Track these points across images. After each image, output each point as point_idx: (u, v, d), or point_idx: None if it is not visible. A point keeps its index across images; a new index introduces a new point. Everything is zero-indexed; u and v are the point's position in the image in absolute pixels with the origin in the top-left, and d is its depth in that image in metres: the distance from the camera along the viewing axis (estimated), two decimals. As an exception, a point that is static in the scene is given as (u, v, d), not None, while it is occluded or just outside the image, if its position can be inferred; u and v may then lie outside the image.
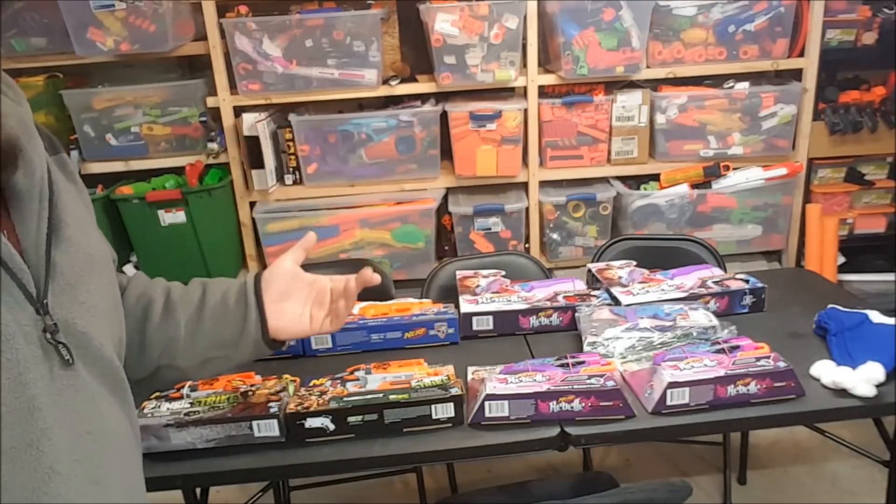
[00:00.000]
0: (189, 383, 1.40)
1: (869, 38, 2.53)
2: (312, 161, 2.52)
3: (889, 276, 2.69)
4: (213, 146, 2.46)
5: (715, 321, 1.51)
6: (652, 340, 1.47)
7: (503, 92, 2.52)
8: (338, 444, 1.28)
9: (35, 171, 0.72)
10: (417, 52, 2.60)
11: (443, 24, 2.30)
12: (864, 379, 1.31)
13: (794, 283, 1.96)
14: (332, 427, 1.28)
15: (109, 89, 2.46)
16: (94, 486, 0.72)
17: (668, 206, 2.56)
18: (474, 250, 2.58)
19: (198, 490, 1.57)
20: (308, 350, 1.61)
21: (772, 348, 1.37)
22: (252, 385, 1.40)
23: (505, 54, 2.37)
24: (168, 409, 1.31)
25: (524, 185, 2.59)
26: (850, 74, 2.71)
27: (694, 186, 2.55)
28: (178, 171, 2.53)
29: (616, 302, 1.66)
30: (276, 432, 1.28)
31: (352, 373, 1.43)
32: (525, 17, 2.35)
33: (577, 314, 1.61)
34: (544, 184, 2.60)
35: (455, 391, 1.30)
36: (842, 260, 2.69)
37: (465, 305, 1.65)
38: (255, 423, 1.27)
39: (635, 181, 2.64)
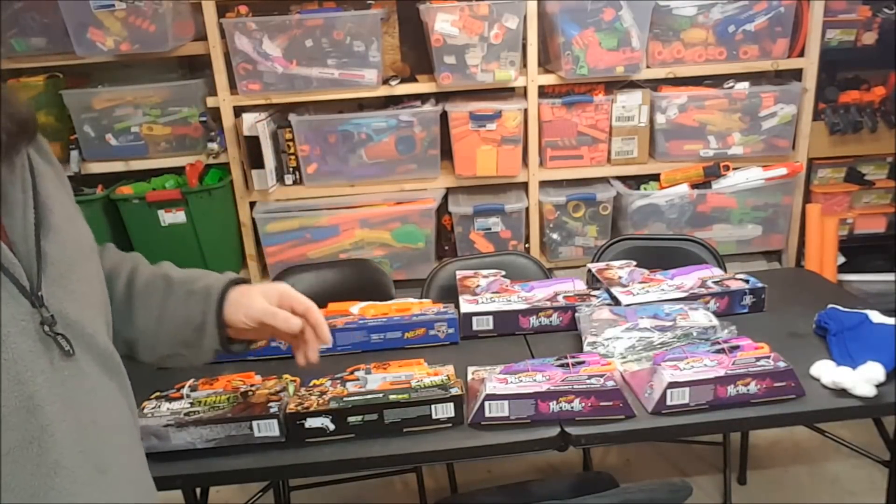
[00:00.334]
0: (189, 383, 1.40)
1: (869, 38, 2.53)
2: (312, 161, 2.52)
3: (889, 276, 2.69)
4: (213, 146, 2.46)
5: (715, 321, 1.51)
6: (652, 340, 1.47)
7: (503, 92, 2.52)
8: (338, 444, 1.28)
9: (15, 160, 0.71)
10: (417, 52, 2.60)
11: (443, 24, 2.30)
12: (864, 379, 1.31)
13: (794, 283, 1.96)
14: (332, 427, 1.28)
15: (109, 89, 2.46)
16: (101, 476, 0.72)
17: (668, 206, 2.56)
18: (474, 250, 2.58)
19: (198, 490, 1.57)
20: (308, 350, 1.61)
21: (772, 348, 1.37)
22: (252, 385, 1.40)
23: (505, 54, 2.37)
24: (168, 409, 1.31)
25: (524, 185, 2.59)
26: (850, 74, 2.71)
27: (694, 186, 2.55)
28: (178, 171, 2.53)
29: (616, 302, 1.66)
30: (276, 432, 1.28)
31: (352, 373, 1.43)
32: (525, 17, 2.35)
33: (577, 314, 1.61)
34: (544, 184, 2.60)
35: (455, 391, 1.30)
36: (842, 260, 2.69)
37: (465, 305, 1.65)
38: (255, 423, 1.27)
39: (635, 181, 2.64)
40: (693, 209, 2.57)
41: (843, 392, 1.32)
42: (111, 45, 2.32)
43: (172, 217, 2.45)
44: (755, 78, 2.56)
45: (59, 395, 0.68)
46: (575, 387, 1.28)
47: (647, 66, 2.47)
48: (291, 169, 2.54)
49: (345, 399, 1.30)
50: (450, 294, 1.87)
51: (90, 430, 0.71)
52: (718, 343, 1.40)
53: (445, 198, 2.58)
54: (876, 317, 1.50)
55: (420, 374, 1.39)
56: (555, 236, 2.62)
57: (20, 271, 0.68)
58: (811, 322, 1.56)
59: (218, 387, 1.40)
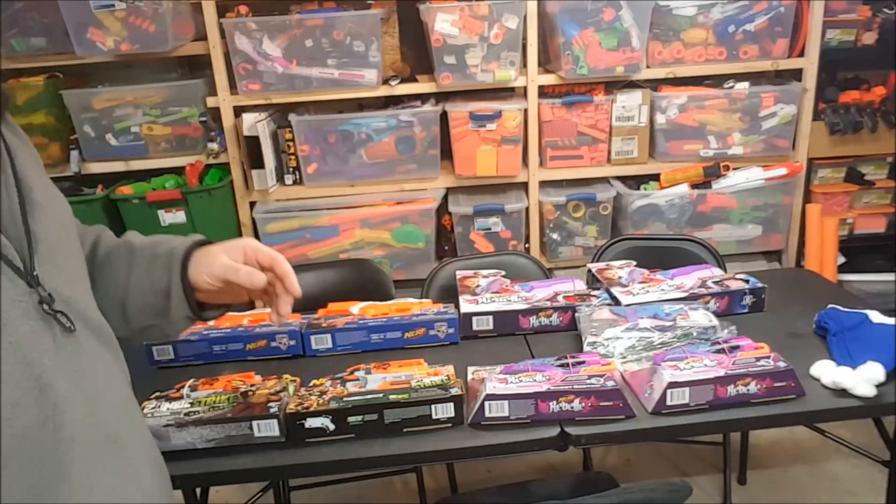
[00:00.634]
0: (189, 383, 1.40)
1: (869, 38, 2.53)
2: (312, 161, 2.52)
3: (889, 276, 2.69)
4: (213, 146, 2.46)
5: (715, 321, 1.51)
6: (652, 340, 1.47)
7: (503, 92, 2.52)
8: (338, 444, 1.28)
9: None
10: (417, 52, 2.60)
11: (443, 24, 2.30)
12: (864, 379, 1.31)
13: (794, 283, 1.96)
14: (332, 427, 1.28)
15: (109, 89, 2.46)
16: (114, 445, 0.73)
17: (668, 206, 2.56)
18: (474, 250, 2.58)
19: (198, 490, 1.57)
20: (308, 350, 1.61)
21: (772, 348, 1.37)
22: (252, 385, 1.40)
23: (505, 54, 2.37)
24: (168, 409, 1.31)
25: (524, 185, 2.59)
26: (850, 74, 2.71)
27: (694, 186, 2.55)
28: (178, 171, 2.53)
29: (616, 302, 1.66)
30: (276, 432, 1.28)
31: (352, 373, 1.43)
32: (525, 17, 2.35)
33: (577, 314, 1.61)
34: (544, 184, 2.60)
35: (455, 391, 1.30)
36: (842, 260, 2.69)
37: (465, 305, 1.65)
38: (255, 423, 1.27)
39: (635, 181, 2.64)
40: (693, 209, 2.57)
41: (843, 392, 1.32)
42: (111, 45, 2.32)
43: (172, 217, 2.45)
44: (755, 78, 2.56)
45: (65, 372, 0.69)
46: (575, 387, 1.28)
47: (647, 66, 2.47)
48: (291, 169, 2.54)
49: (345, 399, 1.30)
50: (450, 294, 1.87)
51: (98, 402, 0.72)
52: (718, 343, 1.40)
53: (445, 198, 2.58)
54: (876, 317, 1.50)
55: (420, 374, 1.39)
56: (555, 236, 2.63)
57: (12, 252, 0.68)
58: (811, 322, 1.56)
59: (218, 387, 1.40)
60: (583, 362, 1.36)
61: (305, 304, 1.93)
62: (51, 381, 0.67)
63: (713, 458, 2.32)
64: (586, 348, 1.49)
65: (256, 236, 2.59)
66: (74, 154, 2.47)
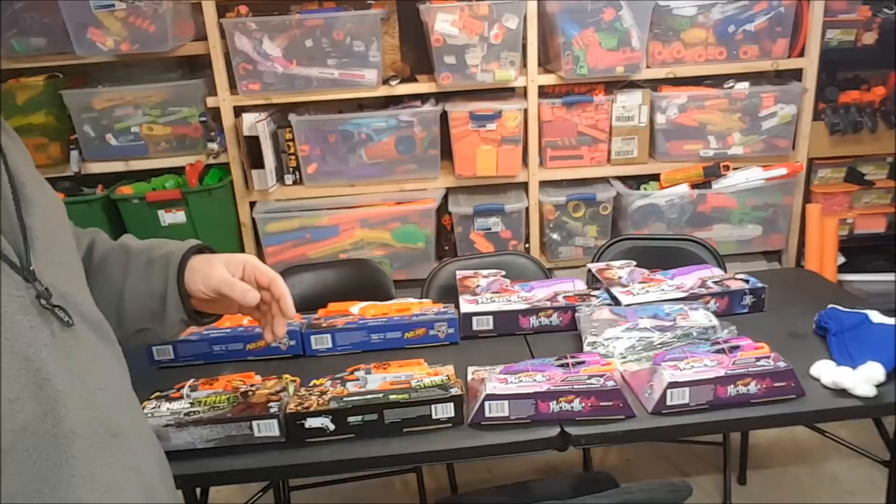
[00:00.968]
0: (189, 383, 1.40)
1: (869, 38, 2.53)
2: (312, 161, 2.52)
3: (889, 276, 2.69)
4: (213, 146, 2.46)
5: (715, 321, 1.51)
6: (652, 340, 1.47)
7: (503, 92, 2.52)
8: (338, 444, 1.28)
9: None
10: (417, 52, 2.60)
11: (443, 24, 2.30)
12: (864, 379, 1.31)
13: (794, 283, 1.96)
14: (332, 427, 1.28)
15: (109, 89, 2.46)
16: (114, 439, 0.73)
17: (668, 206, 2.56)
18: (474, 250, 2.58)
19: (198, 490, 1.57)
20: (308, 350, 1.61)
21: (772, 348, 1.37)
22: (252, 385, 1.40)
23: (505, 54, 2.37)
24: (168, 409, 1.31)
25: (524, 185, 2.59)
26: (850, 74, 2.71)
27: (694, 186, 2.55)
28: (178, 171, 2.53)
29: (616, 302, 1.66)
30: (276, 432, 1.28)
31: (352, 373, 1.43)
32: (525, 17, 2.35)
33: (577, 314, 1.61)
34: (544, 184, 2.60)
35: (455, 391, 1.30)
36: (842, 260, 2.69)
37: (465, 305, 1.65)
38: (255, 423, 1.27)
39: (635, 181, 2.64)
40: (693, 209, 2.57)
41: (843, 392, 1.32)
42: (111, 45, 2.32)
43: (172, 217, 2.45)
44: (755, 78, 2.56)
45: (64, 367, 0.69)
46: (575, 387, 1.28)
47: (647, 66, 2.47)
48: (291, 169, 2.54)
49: (345, 399, 1.30)
50: (450, 294, 1.87)
51: (98, 396, 0.73)
52: (718, 343, 1.40)
53: (445, 198, 2.58)
54: (876, 317, 1.50)
55: (420, 374, 1.39)
56: (555, 236, 2.63)
57: (8, 247, 0.68)
58: (811, 322, 1.56)
59: (218, 387, 1.40)
60: (583, 362, 1.36)
61: (305, 304, 1.93)
62: (49, 376, 0.67)
63: (713, 458, 2.32)
64: (586, 348, 1.49)
65: (256, 236, 2.59)
66: (74, 154, 2.47)
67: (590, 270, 1.87)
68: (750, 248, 2.67)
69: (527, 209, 2.57)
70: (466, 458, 1.33)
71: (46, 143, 2.45)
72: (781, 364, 1.31)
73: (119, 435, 0.74)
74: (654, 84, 2.53)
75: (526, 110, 2.48)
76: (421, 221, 2.54)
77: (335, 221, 2.54)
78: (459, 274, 1.84)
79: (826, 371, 1.35)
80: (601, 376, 1.30)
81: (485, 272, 1.83)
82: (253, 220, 2.55)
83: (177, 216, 2.45)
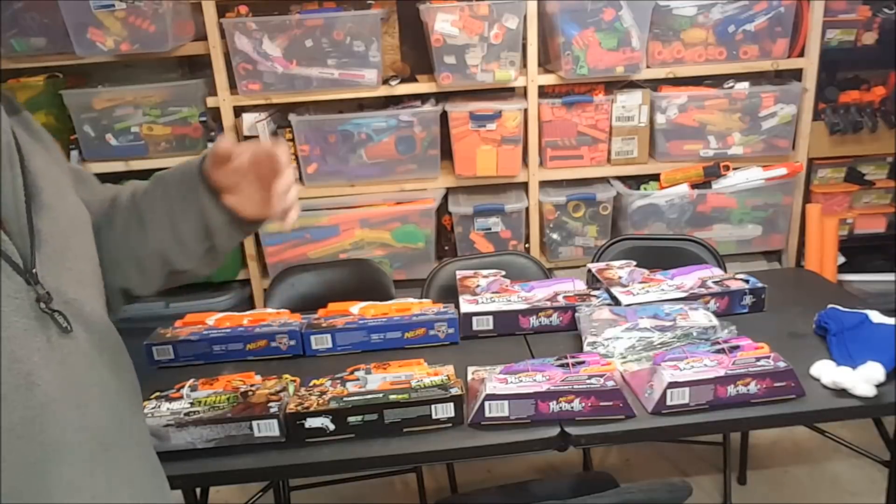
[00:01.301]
0: (189, 383, 1.40)
1: (869, 38, 2.52)
2: (312, 161, 2.52)
3: (889, 276, 2.69)
4: (213, 146, 2.46)
5: (715, 321, 1.51)
6: (652, 340, 1.47)
7: (503, 92, 2.52)
8: (338, 444, 1.28)
9: (0, 137, 0.70)
10: (417, 52, 2.60)
11: (443, 24, 2.30)
12: (864, 379, 1.31)
13: (794, 283, 1.97)
14: (332, 427, 1.28)
15: (109, 89, 2.46)
16: (104, 452, 0.72)
17: (668, 206, 2.56)
18: (474, 250, 2.58)
19: (198, 490, 1.57)
20: (308, 350, 1.61)
21: (772, 348, 1.37)
22: (252, 385, 1.40)
23: (505, 54, 2.37)
24: (168, 409, 1.31)
25: (524, 185, 2.59)
26: (850, 74, 2.71)
27: (694, 186, 2.55)
28: (178, 171, 2.53)
29: (616, 302, 1.66)
30: (276, 432, 1.28)
31: (352, 373, 1.43)
32: (525, 17, 2.35)
33: (577, 314, 1.61)
34: (544, 184, 2.60)
35: (455, 391, 1.30)
36: (842, 260, 2.69)
37: (465, 305, 1.65)
38: (255, 423, 1.27)
39: (635, 181, 2.64)
40: (693, 209, 2.57)
41: (843, 392, 1.32)
42: (111, 45, 2.32)
43: (172, 217, 2.45)
44: (755, 78, 2.56)
45: (57, 373, 0.68)
46: (575, 387, 1.28)
47: (647, 66, 2.47)
48: (291, 169, 2.54)
49: (345, 399, 1.30)
50: (450, 294, 1.87)
51: (91, 406, 0.72)
52: (718, 343, 1.40)
53: (445, 198, 2.58)
54: (876, 317, 1.50)
55: (420, 374, 1.39)
56: (555, 236, 2.63)
57: (12, 249, 0.68)
58: (811, 322, 1.56)
59: (218, 387, 1.40)
60: (583, 362, 1.36)
61: (305, 304, 1.93)
62: (39, 381, 0.66)
63: (713, 458, 2.32)
64: (586, 348, 1.49)
65: (256, 236, 2.59)
66: (74, 154, 2.47)
67: (590, 270, 1.87)
68: (750, 248, 2.67)
69: (527, 209, 2.57)
70: (466, 458, 1.33)
71: (46, 143, 2.45)
72: (781, 364, 1.31)
73: (111, 447, 0.73)
74: (654, 84, 2.53)
75: (526, 110, 2.47)
76: (421, 221, 2.54)
77: (335, 221, 2.53)
78: (459, 274, 1.84)
79: (826, 371, 1.36)
80: (601, 376, 1.30)
81: (485, 272, 1.83)
82: (253, 220, 2.55)
83: (177, 216, 2.44)
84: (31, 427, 0.66)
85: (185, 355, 1.61)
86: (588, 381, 1.29)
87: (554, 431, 1.28)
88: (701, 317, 1.52)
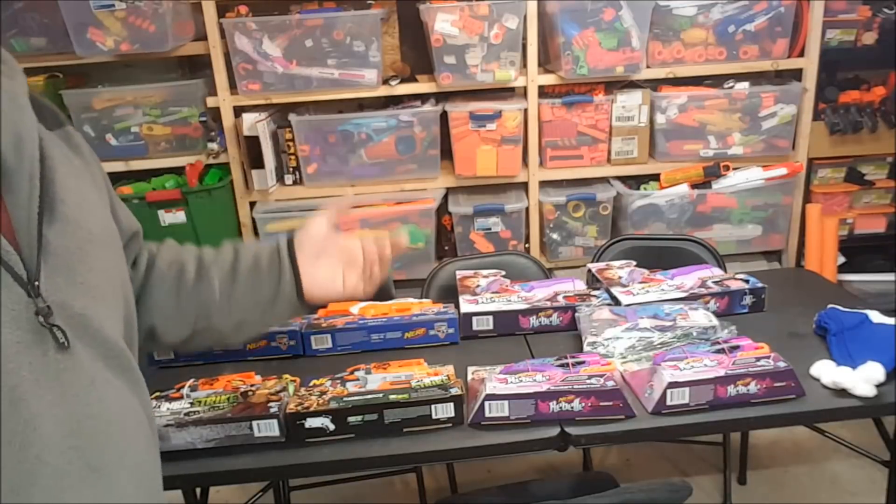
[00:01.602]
0: (189, 383, 1.40)
1: (869, 38, 2.53)
2: (312, 161, 2.52)
3: (889, 276, 2.69)
4: (213, 146, 2.46)
5: (715, 321, 1.51)
6: (652, 340, 1.47)
7: (503, 92, 2.52)
8: (338, 444, 1.28)
9: (24, 149, 0.69)
10: (417, 52, 2.60)
11: (443, 24, 2.30)
12: (864, 379, 1.31)
13: (794, 283, 1.96)
14: (332, 427, 1.28)
15: (109, 89, 2.46)
16: (92, 473, 0.69)
17: (668, 206, 2.56)
18: (474, 250, 2.58)
19: (198, 490, 1.57)
20: (308, 350, 1.61)
21: (772, 348, 1.37)
22: (252, 385, 1.40)
23: (505, 54, 2.37)
24: (168, 409, 1.31)
25: (524, 185, 2.59)
26: (850, 74, 2.71)
27: (694, 186, 2.55)
28: (178, 171, 2.53)
29: (616, 302, 1.66)
30: (276, 432, 1.28)
31: (352, 373, 1.43)
32: (525, 17, 2.35)
33: (577, 314, 1.61)
34: (544, 184, 2.60)
35: (455, 391, 1.30)
36: (842, 260, 2.69)
37: (465, 305, 1.65)
38: (255, 423, 1.27)
39: (635, 181, 2.64)
40: (693, 209, 2.57)
41: (843, 392, 1.32)
42: (111, 45, 2.32)
43: (172, 217, 2.45)
44: (755, 78, 2.56)
45: (47, 389, 0.66)
46: (575, 387, 1.28)
47: (647, 66, 2.47)
48: (291, 169, 2.54)
49: (345, 399, 1.30)
50: (450, 294, 1.87)
51: (84, 425, 0.69)
52: (718, 343, 1.40)
53: (445, 198, 2.58)
54: (876, 317, 1.50)
55: (420, 374, 1.39)
56: (555, 236, 2.63)
57: (16, 259, 0.66)
58: (811, 322, 1.56)
59: (218, 387, 1.40)
60: (583, 362, 1.36)
61: (305, 304, 1.92)
62: (25, 396, 0.64)
63: (713, 458, 2.32)
64: (586, 348, 1.49)
65: (256, 236, 2.59)
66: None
67: (590, 270, 1.87)
68: (750, 248, 2.67)
69: (527, 209, 2.57)
70: (466, 458, 1.33)
71: (46, 143, 2.45)
72: (781, 364, 1.31)
73: (100, 469, 0.69)
74: (654, 84, 2.53)
75: (526, 110, 2.47)
76: (421, 221, 2.54)
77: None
78: (459, 274, 1.84)
79: (826, 371, 1.35)
80: (601, 376, 1.30)
81: (485, 272, 1.83)
82: (253, 220, 2.55)
83: (177, 216, 2.45)
84: (12, 444, 0.63)
85: (185, 355, 1.60)
86: (588, 381, 1.29)
87: (554, 431, 1.28)
88: (701, 317, 1.52)
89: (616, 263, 1.87)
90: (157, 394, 1.37)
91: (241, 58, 2.36)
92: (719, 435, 2.17)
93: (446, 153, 2.56)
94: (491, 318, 1.63)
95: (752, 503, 2.21)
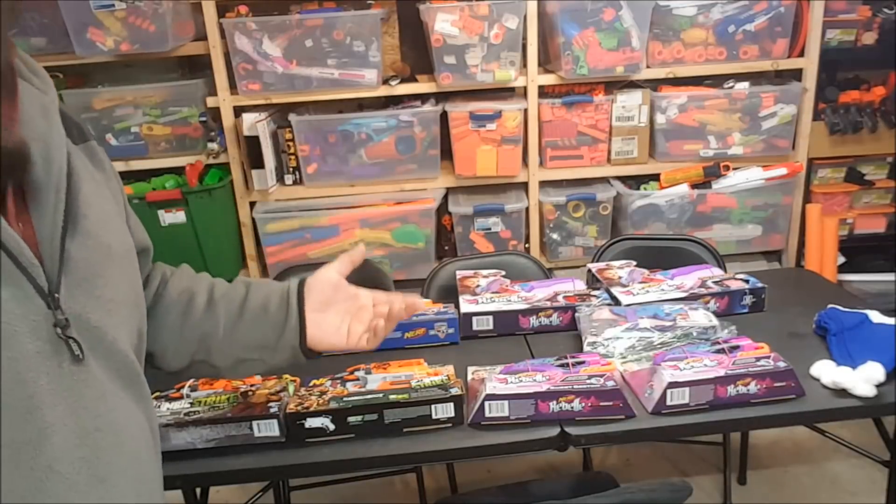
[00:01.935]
0: (189, 383, 1.40)
1: (869, 38, 2.53)
2: (312, 161, 2.52)
3: (889, 276, 2.69)
4: (213, 146, 2.46)
5: (715, 321, 1.51)
6: (652, 340, 1.47)
7: (503, 92, 2.52)
8: (338, 444, 1.28)
9: (53, 162, 0.71)
10: (417, 52, 2.60)
11: (443, 24, 2.30)
12: (864, 379, 1.31)
13: (794, 283, 1.97)
14: (332, 427, 1.28)
15: (109, 89, 2.46)
16: (100, 484, 0.71)
17: (668, 206, 2.56)
18: (474, 250, 2.58)
19: (198, 490, 1.57)
20: (308, 350, 1.61)
21: (772, 348, 1.37)
22: (252, 385, 1.40)
23: (505, 54, 2.37)
24: (168, 409, 1.31)
25: (524, 185, 2.59)
26: (850, 74, 2.71)
27: (694, 186, 2.55)
28: (178, 171, 2.53)
29: (616, 302, 1.66)
30: (276, 432, 1.28)
31: (352, 373, 1.43)
32: (525, 17, 2.35)
33: (577, 314, 1.61)
34: (544, 184, 2.60)
35: (455, 391, 1.30)
36: (842, 260, 2.69)
37: (465, 305, 1.65)
38: (255, 423, 1.27)
39: (635, 181, 2.64)
40: (693, 209, 2.57)
41: (843, 392, 1.32)
42: (111, 45, 2.32)
43: (172, 217, 2.45)
44: (755, 78, 2.56)
45: (62, 400, 0.67)
46: (575, 387, 1.28)
47: (647, 66, 2.47)
48: (291, 169, 2.54)
49: (345, 399, 1.30)
50: (450, 294, 1.87)
51: (94, 436, 0.70)
52: (718, 343, 1.40)
53: (445, 198, 2.58)
54: (876, 317, 1.50)
55: (420, 374, 1.39)
56: (555, 236, 2.63)
57: (38, 271, 0.67)
58: (811, 322, 1.56)
59: (218, 387, 1.40)
60: (583, 362, 1.36)
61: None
62: (41, 405, 0.66)
63: (713, 458, 2.32)
64: (586, 348, 1.49)
65: (256, 236, 2.59)
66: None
67: (590, 270, 1.87)
68: (750, 248, 2.67)
69: (527, 209, 2.57)
70: (466, 458, 1.33)
71: (46, 143, 2.45)
72: (781, 364, 1.31)
73: (106, 481, 0.71)
74: (654, 84, 2.53)
75: (526, 110, 2.47)
76: (421, 221, 2.54)
77: (335, 221, 2.53)
78: (459, 274, 1.84)
79: (826, 371, 1.36)
80: (601, 376, 1.30)
81: (485, 272, 1.83)
82: (253, 220, 2.55)
83: (177, 216, 2.45)
84: (25, 451, 0.65)
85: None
86: (588, 381, 1.29)
87: (554, 431, 1.28)
88: (701, 317, 1.52)
89: (616, 263, 1.87)
90: (158, 394, 1.37)
91: (241, 58, 2.36)
92: (719, 435, 2.17)
93: (446, 153, 2.56)
94: (491, 318, 1.63)
95: (752, 503, 2.21)
